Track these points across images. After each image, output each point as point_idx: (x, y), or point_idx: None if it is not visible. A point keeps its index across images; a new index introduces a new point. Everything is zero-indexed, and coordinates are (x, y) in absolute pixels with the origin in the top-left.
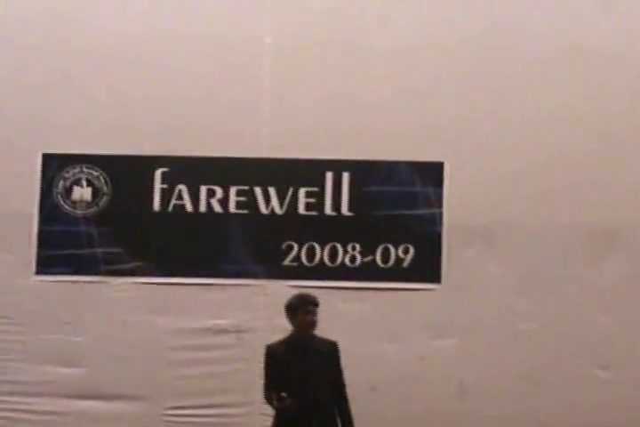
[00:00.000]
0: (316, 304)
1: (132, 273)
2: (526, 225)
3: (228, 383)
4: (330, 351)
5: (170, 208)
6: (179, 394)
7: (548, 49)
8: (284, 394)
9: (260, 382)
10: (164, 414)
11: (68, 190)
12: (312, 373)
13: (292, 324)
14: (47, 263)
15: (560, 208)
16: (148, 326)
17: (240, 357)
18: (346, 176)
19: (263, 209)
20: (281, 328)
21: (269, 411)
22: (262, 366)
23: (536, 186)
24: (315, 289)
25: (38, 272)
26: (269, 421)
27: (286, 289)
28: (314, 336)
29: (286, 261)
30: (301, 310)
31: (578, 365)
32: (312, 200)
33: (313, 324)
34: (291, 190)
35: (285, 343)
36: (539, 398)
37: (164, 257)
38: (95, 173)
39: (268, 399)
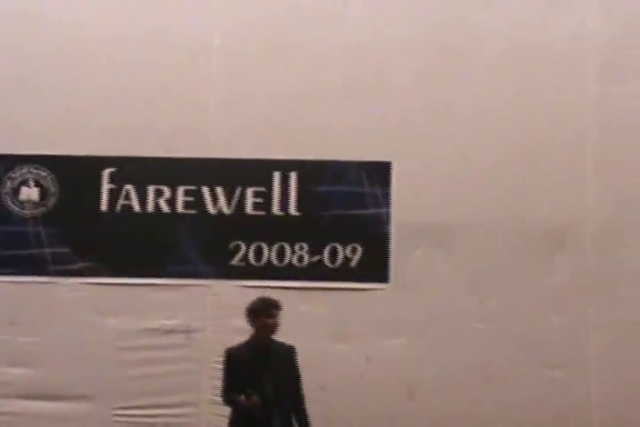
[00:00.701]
0: (278, 308)
1: (80, 273)
2: (475, 225)
3: (178, 383)
4: (288, 355)
5: (117, 208)
6: (128, 394)
7: (496, 46)
8: (250, 391)
9: (209, 382)
10: (113, 414)
11: (16, 191)
12: (273, 375)
13: (253, 327)
14: None
15: (508, 208)
16: (97, 326)
17: (189, 357)
18: (293, 176)
19: (211, 209)
20: (230, 328)
21: (218, 411)
22: (212, 365)
23: (484, 186)
24: (262, 289)
25: None
26: (219, 421)
27: (234, 289)
28: (272, 340)
29: (234, 261)
30: (264, 313)
31: (528, 364)
32: (260, 200)
33: (274, 327)
34: (238, 190)
35: (246, 346)
36: (488, 397)
37: (112, 257)
38: (43, 174)
39: (228, 401)
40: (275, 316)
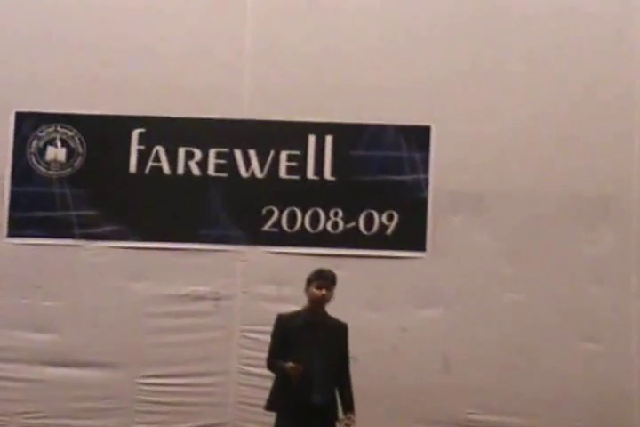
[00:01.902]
0: (329, 280)
1: (106, 237)
2: (516, 191)
3: (205, 352)
4: (339, 331)
5: (147, 170)
6: (154, 362)
7: (541, 3)
8: (297, 360)
9: (237, 350)
10: (138, 383)
11: (42, 150)
12: (320, 348)
13: (309, 296)
14: (19, 226)
15: (551, 174)
16: (122, 291)
17: (217, 324)
18: (329, 139)
19: (243, 172)
20: (260, 296)
21: (247, 381)
22: (241, 334)
23: (527, 151)
24: (295, 256)
25: (10, 235)
26: (247, 391)
27: (266, 255)
28: (326, 314)
29: (266, 227)
30: (314, 283)
31: (565, 337)
32: (294, 164)
33: (322, 298)
34: (272, 153)
35: (298, 315)
36: (524, 370)
37: (140, 221)
38: (70, 133)
39: (271, 366)
40: (324, 286)
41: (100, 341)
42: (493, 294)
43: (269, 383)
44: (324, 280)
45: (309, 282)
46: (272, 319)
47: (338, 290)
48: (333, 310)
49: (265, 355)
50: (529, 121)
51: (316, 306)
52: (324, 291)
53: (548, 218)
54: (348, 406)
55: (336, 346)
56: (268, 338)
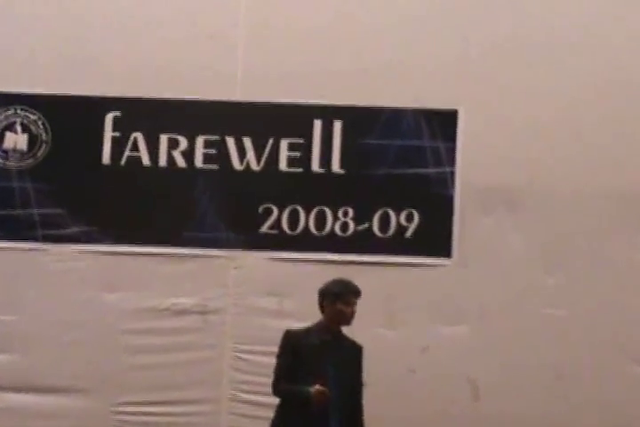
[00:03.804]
0: (358, 295)
1: (75, 240)
2: (558, 188)
3: (191, 375)
4: (355, 353)
5: (123, 161)
6: (131, 388)
7: None
8: (320, 384)
9: (230, 374)
10: (113, 411)
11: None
12: (337, 370)
13: (327, 312)
14: None
15: (601, 169)
16: (94, 304)
17: (205, 343)
18: (338, 125)
19: (236, 164)
20: (255, 309)
21: (240, 410)
22: (233, 354)
23: (572, 141)
24: (297, 263)
25: None
26: (240, 422)
27: (263, 262)
28: (341, 333)
29: (264, 229)
30: (343, 299)
31: (613, 359)
32: (296, 154)
33: (350, 317)
34: (270, 142)
35: (310, 333)
36: (564, 397)
37: (114, 221)
38: (33, 117)
39: (280, 392)
40: (353, 304)
41: (67, 362)
42: (530, 309)
43: (266, 413)
44: (353, 295)
45: (335, 297)
46: (270, 337)
47: None
48: (345, 327)
49: (263, 379)
50: (576, 106)
51: (343, 324)
52: (354, 308)
53: (596, 220)
54: None
55: (351, 370)
56: (264, 359)
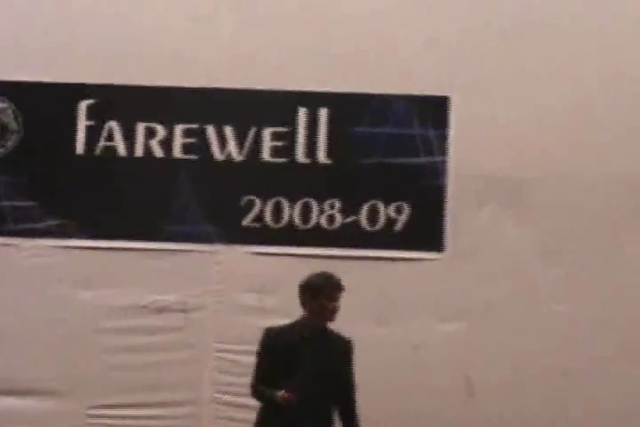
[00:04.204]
0: (341, 289)
1: (48, 234)
2: (558, 178)
3: (171, 376)
4: (344, 349)
5: (97, 151)
6: (107, 389)
7: None
8: (292, 386)
9: (212, 375)
10: (88, 415)
11: None
12: (321, 371)
13: (308, 308)
14: None
15: (604, 158)
16: (69, 301)
17: (186, 342)
18: (324, 113)
19: (217, 154)
20: (238, 306)
21: (223, 412)
22: (215, 354)
23: (573, 128)
24: (281, 257)
25: None
26: (221, 424)
27: (246, 257)
28: (327, 329)
29: (246, 222)
30: (326, 294)
31: (621, 358)
32: (280, 144)
33: (334, 313)
34: (253, 131)
35: (292, 330)
36: (567, 397)
37: (89, 214)
38: (2, 105)
39: (258, 395)
40: (337, 299)
41: (40, 363)
42: (529, 305)
43: (249, 415)
44: (337, 290)
45: (317, 292)
46: (253, 336)
47: None
48: (332, 322)
49: (246, 380)
50: (576, 92)
51: (327, 321)
52: (338, 303)
53: (599, 211)
54: None
55: (340, 368)
56: (247, 359)
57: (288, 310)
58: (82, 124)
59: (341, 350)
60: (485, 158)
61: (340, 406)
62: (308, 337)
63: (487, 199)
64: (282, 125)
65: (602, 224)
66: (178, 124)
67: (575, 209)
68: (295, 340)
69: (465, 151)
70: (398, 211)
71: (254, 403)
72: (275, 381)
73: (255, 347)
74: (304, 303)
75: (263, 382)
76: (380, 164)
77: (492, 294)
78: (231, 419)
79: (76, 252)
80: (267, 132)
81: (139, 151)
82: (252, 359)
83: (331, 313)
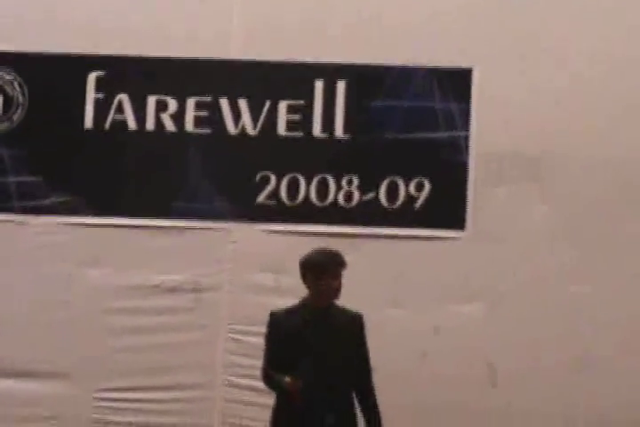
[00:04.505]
0: (344, 266)
1: (55, 211)
2: (584, 155)
3: (182, 359)
4: (353, 326)
5: (106, 125)
6: (115, 372)
7: None
8: (288, 378)
9: (224, 357)
10: (95, 398)
11: None
12: (331, 352)
13: (312, 288)
14: None
15: (629, 133)
16: (75, 280)
17: (198, 323)
18: (341, 86)
19: (231, 128)
20: (252, 286)
21: (236, 396)
22: (229, 336)
23: (600, 104)
24: (297, 236)
25: None
26: (236, 409)
27: (260, 235)
28: (335, 306)
29: (261, 198)
30: (328, 272)
31: None
32: (296, 117)
33: (338, 291)
34: (268, 104)
35: (297, 312)
36: (592, 384)
37: (97, 190)
38: (7, 77)
39: (268, 381)
40: (340, 276)
41: (45, 344)
42: (552, 287)
43: (265, 399)
44: (339, 267)
45: (319, 270)
46: (267, 316)
47: (353, 281)
48: (346, 304)
49: (258, 362)
50: (608, 65)
51: (330, 300)
52: (340, 281)
53: (627, 189)
54: None
55: (351, 347)
56: (261, 341)
57: (304, 290)
58: (91, 96)
59: (350, 328)
60: (509, 133)
61: (357, 393)
62: (312, 319)
63: (510, 176)
64: (298, 98)
65: (628, 202)
66: (190, 96)
67: (601, 187)
68: (299, 322)
69: (488, 126)
70: (418, 188)
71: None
72: (284, 365)
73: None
74: (307, 283)
75: (273, 367)
76: (399, 138)
77: (515, 274)
78: (245, 402)
79: (84, 229)
80: (282, 106)
81: (149, 125)
82: None
83: (335, 291)
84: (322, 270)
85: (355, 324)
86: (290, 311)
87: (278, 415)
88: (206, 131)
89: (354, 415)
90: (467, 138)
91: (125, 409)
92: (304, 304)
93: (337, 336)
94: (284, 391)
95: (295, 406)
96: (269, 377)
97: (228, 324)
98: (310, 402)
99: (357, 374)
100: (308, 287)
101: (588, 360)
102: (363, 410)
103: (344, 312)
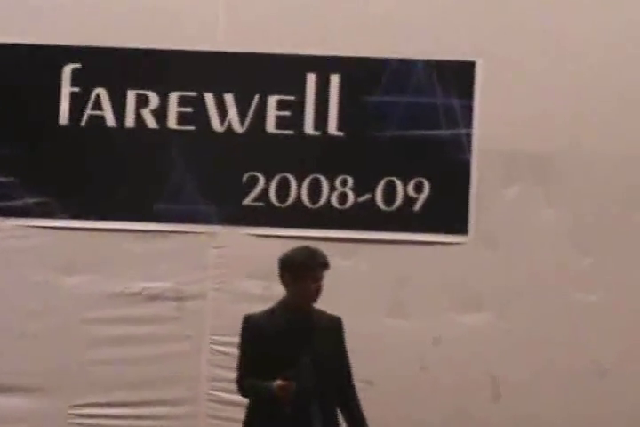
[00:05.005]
0: (327, 266)
1: (27, 213)
2: (592, 154)
3: (163, 372)
4: (333, 329)
5: (83, 122)
6: (92, 386)
7: None
8: (286, 375)
9: (209, 370)
10: (70, 414)
11: None
12: (313, 357)
13: (290, 289)
14: None
15: (638, 131)
16: (50, 289)
17: (181, 334)
18: (335, 80)
19: (216, 125)
20: (239, 294)
21: (220, 412)
22: (213, 347)
23: (606, 99)
24: (289, 240)
25: None
26: (219, 425)
27: (247, 239)
28: (314, 310)
29: (248, 200)
30: (310, 273)
31: None
32: (286, 114)
33: (318, 293)
34: (256, 99)
35: (275, 315)
36: (603, 398)
37: (73, 192)
38: None
39: (246, 389)
40: (321, 279)
41: (17, 357)
42: (561, 295)
43: None
44: (322, 268)
45: (300, 271)
46: (242, 321)
47: (347, 289)
48: (340, 313)
49: None
50: (622, 59)
51: (311, 302)
52: (321, 283)
53: (636, 188)
54: None
55: (332, 352)
56: None
57: None
58: (66, 90)
59: (332, 332)
60: (515, 131)
61: (339, 394)
62: (297, 321)
63: (516, 177)
64: (288, 93)
65: (638, 206)
66: (173, 91)
67: (612, 189)
68: (282, 326)
69: (492, 123)
70: (418, 189)
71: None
72: (263, 374)
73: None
74: (285, 283)
75: (250, 374)
76: (397, 136)
77: (521, 282)
78: (229, 419)
79: (60, 233)
80: (272, 101)
81: (129, 122)
82: None
83: (316, 294)
84: (303, 272)
85: (335, 326)
86: (269, 315)
87: (255, 419)
88: (190, 128)
89: (337, 422)
90: (470, 136)
91: (103, 426)
92: (284, 306)
93: (321, 338)
94: (271, 397)
95: (282, 411)
96: (250, 385)
97: (213, 335)
98: (299, 407)
99: (341, 375)
100: (286, 287)
101: (596, 372)
102: (346, 413)
103: (323, 315)
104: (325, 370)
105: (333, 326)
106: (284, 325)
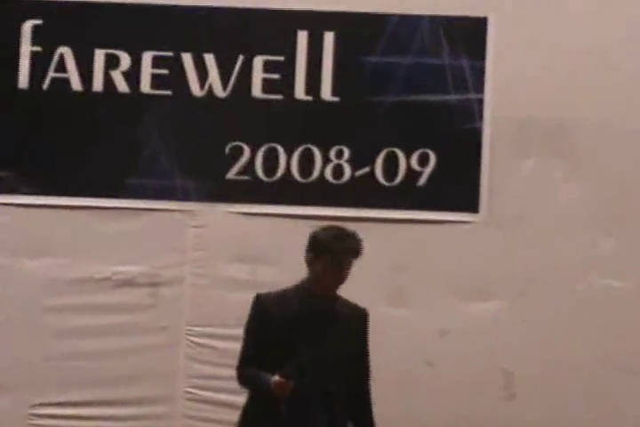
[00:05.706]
0: (358, 254)
1: None
2: (617, 121)
3: (136, 367)
4: (354, 323)
5: (45, 85)
6: (56, 383)
7: None
8: (288, 371)
9: (187, 365)
10: (31, 415)
11: None
12: (329, 350)
13: (314, 270)
14: None
15: None
16: (9, 272)
17: (155, 325)
18: (329, 38)
19: (196, 89)
20: (221, 280)
21: (198, 412)
22: (191, 339)
23: (635, 60)
24: (277, 219)
25: None
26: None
27: (231, 218)
28: (337, 297)
29: (232, 174)
30: (334, 258)
31: None
32: (274, 76)
33: (340, 281)
34: (241, 60)
35: (291, 298)
36: (632, 396)
37: (35, 165)
38: None
39: (245, 379)
40: (348, 266)
41: None
42: (582, 281)
43: (231, 415)
44: (352, 256)
45: (327, 254)
46: (239, 317)
47: None
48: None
49: (229, 372)
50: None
51: (331, 290)
52: (348, 271)
53: None
54: None
55: (348, 349)
56: (232, 346)
57: (283, 285)
58: (26, 50)
59: (353, 326)
60: (531, 97)
61: (351, 397)
62: (311, 306)
63: (533, 148)
64: (277, 53)
65: None
66: (147, 50)
67: (638, 161)
68: (297, 311)
69: (506, 88)
70: (422, 161)
71: (237, 400)
72: (270, 364)
73: (240, 330)
74: (307, 263)
75: (252, 363)
76: (399, 102)
77: (537, 266)
78: (209, 420)
79: (20, 211)
80: (258, 62)
81: (97, 85)
82: (238, 346)
83: (337, 282)
84: (325, 254)
85: (360, 320)
86: (282, 295)
87: (251, 419)
88: (166, 92)
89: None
90: (481, 101)
91: None
92: (303, 290)
93: (340, 331)
94: (268, 393)
95: (279, 410)
96: (249, 375)
97: (191, 325)
98: (298, 408)
99: (357, 376)
100: (310, 267)
101: (625, 368)
102: (355, 416)
103: (347, 304)
104: (335, 368)
105: (355, 320)
106: (295, 311)
